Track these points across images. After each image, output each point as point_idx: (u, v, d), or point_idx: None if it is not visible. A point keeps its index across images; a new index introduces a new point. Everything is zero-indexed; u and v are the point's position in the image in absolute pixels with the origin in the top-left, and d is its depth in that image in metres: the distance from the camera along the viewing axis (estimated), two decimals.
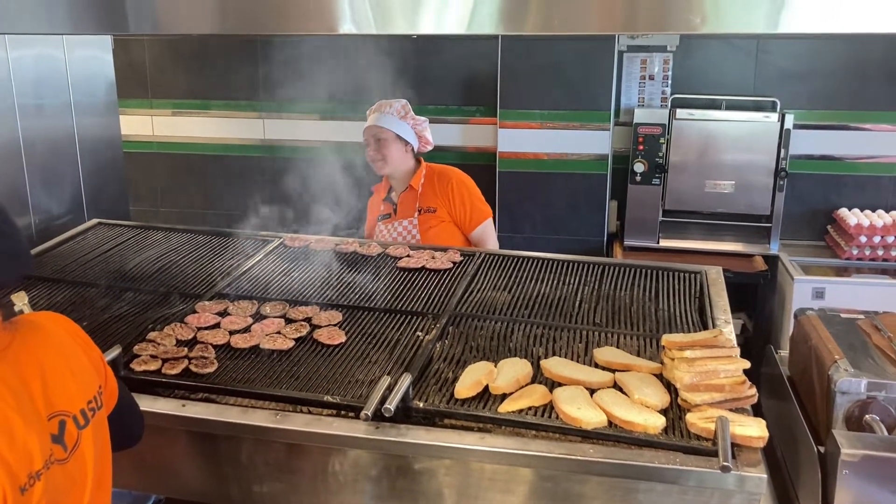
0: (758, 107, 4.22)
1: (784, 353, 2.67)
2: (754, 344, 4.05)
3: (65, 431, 1.30)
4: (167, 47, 4.87)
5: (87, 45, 3.40)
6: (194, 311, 2.25)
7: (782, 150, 4.06)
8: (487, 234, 3.10)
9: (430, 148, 3.19)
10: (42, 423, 1.26)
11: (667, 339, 1.90)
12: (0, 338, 1.28)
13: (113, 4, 1.65)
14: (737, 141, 4.11)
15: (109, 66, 3.56)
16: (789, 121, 4.04)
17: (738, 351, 1.86)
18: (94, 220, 3.11)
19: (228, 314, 2.24)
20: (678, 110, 4.16)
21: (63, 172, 3.28)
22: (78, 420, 1.32)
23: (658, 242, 4.24)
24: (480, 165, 4.55)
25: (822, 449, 1.79)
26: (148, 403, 1.81)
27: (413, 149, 3.14)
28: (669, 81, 4.35)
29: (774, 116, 4.07)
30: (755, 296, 4.09)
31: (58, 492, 1.27)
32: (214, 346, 2.04)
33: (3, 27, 1.84)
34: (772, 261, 4.13)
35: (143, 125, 4.98)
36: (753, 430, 1.62)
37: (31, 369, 1.29)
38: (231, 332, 2.12)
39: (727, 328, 2.15)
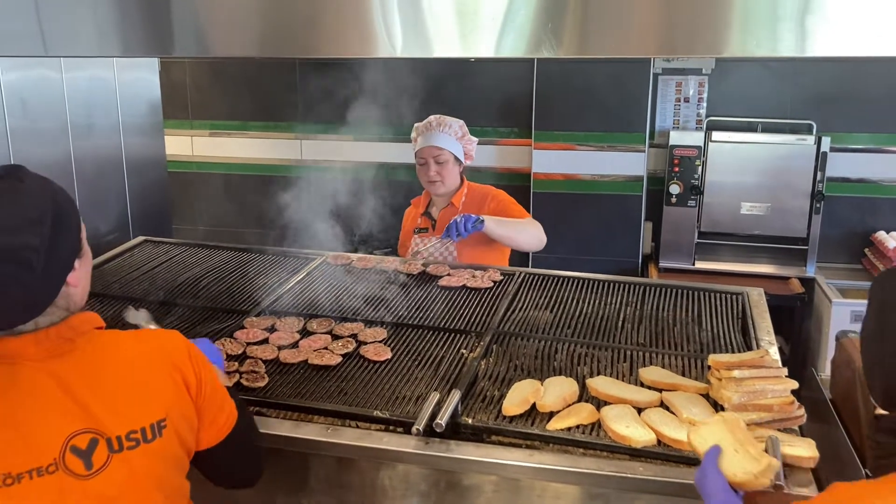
0: (794, 129, 4.22)
1: (825, 375, 2.65)
2: (791, 367, 4.00)
3: (94, 449, 1.30)
4: (207, 69, 4.98)
5: (135, 67, 3.50)
6: (242, 327, 2.29)
7: (819, 173, 4.06)
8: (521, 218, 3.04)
9: (469, 162, 3.18)
10: (59, 435, 1.28)
11: (714, 358, 1.91)
12: (56, 344, 1.31)
13: (160, 29, 1.71)
14: (773, 163, 4.11)
15: (156, 87, 3.66)
16: (826, 143, 4.03)
17: (785, 371, 1.87)
18: (141, 238, 3.18)
19: (276, 330, 2.28)
20: (714, 132, 4.17)
21: (110, 191, 3.38)
22: (112, 444, 1.31)
23: (693, 264, 4.23)
24: (515, 186, 4.58)
25: (869, 472, 1.78)
26: None
27: (462, 167, 3.15)
28: (704, 104, 4.37)
29: (811, 139, 4.07)
30: (791, 319, 4.06)
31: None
32: (264, 361, 2.08)
33: (59, 50, 1.92)
34: (808, 284, 4.10)
35: (182, 145, 5.08)
36: (803, 450, 1.62)
37: (78, 381, 1.31)
38: (279, 348, 2.16)
39: (772, 349, 2.16)
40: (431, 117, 3.07)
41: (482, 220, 2.80)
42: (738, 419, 1.51)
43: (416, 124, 3.11)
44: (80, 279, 1.37)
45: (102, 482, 1.30)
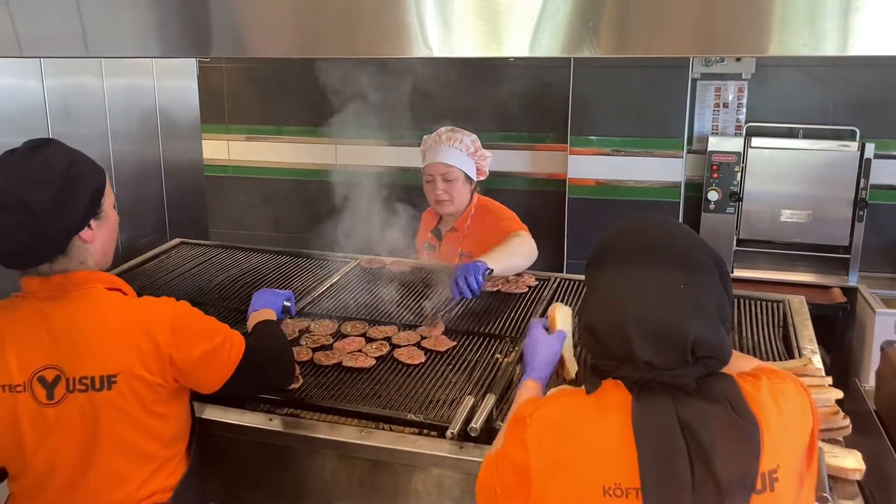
0: (836, 136, 4.13)
1: (868, 387, 2.58)
2: (833, 378, 3.91)
3: (57, 384, 1.52)
4: (244, 75, 5.04)
5: (174, 74, 3.54)
6: None
7: (862, 180, 3.97)
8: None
9: (483, 178, 2.97)
10: (31, 364, 1.52)
11: None
12: (53, 289, 1.55)
13: (198, 30, 1.72)
14: (814, 170, 4.04)
15: (194, 94, 3.70)
16: (869, 150, 3.94)
17: (829, 380, 1.82)
18: (177, 240, 3.21)
19: (310, 332, 2.28)
20: (753, 138, 4.11)
21: (148, 194, 3.42)
22: (69, 384, 1.52)
23: (732, 272, 4.16)
24: (550, 192, 4.56)
25: None
26: (236, 416, 1.86)
27: (474, 185, 2.94)
28: (744, 109, 4.30)
29: (853, 145, 3.99)
30: (833, 329, 3.96)
31: (18, 419, 1.52)
32: (298, 363, 2.08)
33: (100, 51, 1.94)
34: (850, 293, 4.01)
35: (219, 150, 5.14)
36: (849, 461, 1.57)
37: (59, 323, 1.53)
38: (314, 350, 2.16)
39: (815, 358, 2.10)
40: (441, 129, 2.86)
41: (489, 270, 2.50)
42: None
43: (424, 137, 2.93)
44: (95, 237, 1.59)
45: (56, 413, 1.52)
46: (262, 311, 2.05)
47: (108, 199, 1.64)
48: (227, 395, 1.80)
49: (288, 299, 2.17)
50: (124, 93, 3.22)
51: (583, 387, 1.31)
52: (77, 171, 1.55)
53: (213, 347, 1.62)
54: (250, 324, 1.98)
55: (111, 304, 1.58)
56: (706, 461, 1.15)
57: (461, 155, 2.81)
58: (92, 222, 1.58)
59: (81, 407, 1.52)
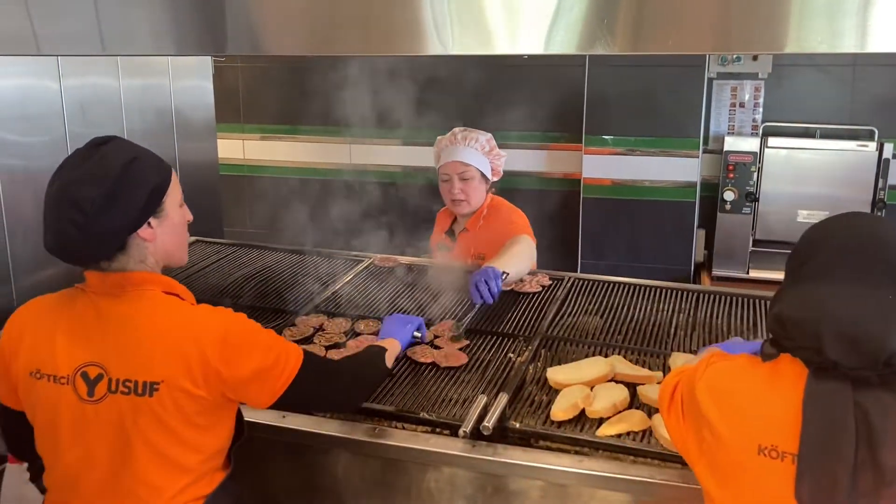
0: (854, 135, 4.09)
1: None
2: None
3: (99, 382, 1.50)
4: (259, 74, 5.06)
5: (189, 74, 3.56)
6: (293, 325, 2.31)
7: (880, 181, 3.93)
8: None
9: (497, 179, 2.94)
10: (77, 358, 1.51)
11: None
12: (109, 287, 1.53)
13: (213, 28, 1.72)
14: (831, 170, 4.00)
15: (210, 93, 3.72)
16: (888, 150, 3.90)
17: None
18: (193, 238, 3.22)
19: (324, 330, 2.29)
20: (770, 138, 4.08)
21: None
22: (111, 384, 1.49)
23: (748, 273, 4.14)
24: (564, 191, 4.55)
25: None
26: (248, 414, 1.85)
27: (489, 184, 2.91)
28: (760, 109, 4.27)
29: (872, 145, 3.94)
30: None
31: (59, 410, 1.52)
32: None
33: (116, 49, 1.96)
34: None
35: (234, 149, 5.16)
36: None
37: (111, 322, 1.51)
38: (327, 348, 2.16)
39: None
40: (456, 129, 2.85)
41: (506, 274, 2.48)
42: None
43: (438, 137, 2.91)
44: (156, 236, 1.56)
45: (95, 411, 1.50)
46: (386, 340, 2.00)
47: (172, 198, 1.59)
48: (285, 410, 1.79)
49: (418, 328, 2.15)
50: (140, 93, 3.24)
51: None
52: (135, 169, 1.50)
53: (266, 365, 1.55)
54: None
55: (165, 309, 1.54)
56: (873, 445, 1.15)
57: (477, 154, 2.80)
58: (152, 221, 1.54)
59: (121, 409, 1.49)
